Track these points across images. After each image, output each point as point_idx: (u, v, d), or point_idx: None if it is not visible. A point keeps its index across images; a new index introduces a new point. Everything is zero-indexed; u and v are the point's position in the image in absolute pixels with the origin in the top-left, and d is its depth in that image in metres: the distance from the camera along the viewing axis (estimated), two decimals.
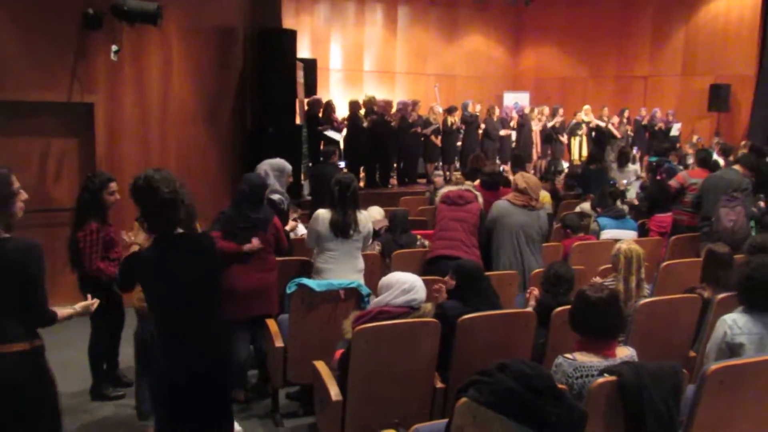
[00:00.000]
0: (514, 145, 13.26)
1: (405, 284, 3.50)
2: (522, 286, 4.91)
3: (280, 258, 4.86)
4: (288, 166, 5.50)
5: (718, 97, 14.52)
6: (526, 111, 13.64)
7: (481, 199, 5.45)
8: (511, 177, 7.18)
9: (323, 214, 4.67)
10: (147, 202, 2.92)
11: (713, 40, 15.40)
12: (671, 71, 16.10)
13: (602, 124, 13.48)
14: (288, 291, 4.29)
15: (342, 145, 10.92)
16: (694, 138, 12.94)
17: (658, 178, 7.63)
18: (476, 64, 17.35)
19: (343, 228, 4.60)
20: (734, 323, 3.32)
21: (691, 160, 10.36)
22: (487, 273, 4.64)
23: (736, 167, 6.70)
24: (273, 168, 5.38)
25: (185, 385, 2.94)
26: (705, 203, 6.54)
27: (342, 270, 4.61)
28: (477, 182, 6.51)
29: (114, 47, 6.60)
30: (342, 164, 8.64)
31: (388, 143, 11.23)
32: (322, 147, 10.61)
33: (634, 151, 13.37)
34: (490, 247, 5.33)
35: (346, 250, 4.66)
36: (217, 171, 7.80)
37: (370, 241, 4.87)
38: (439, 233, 5.30)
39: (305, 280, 4.34)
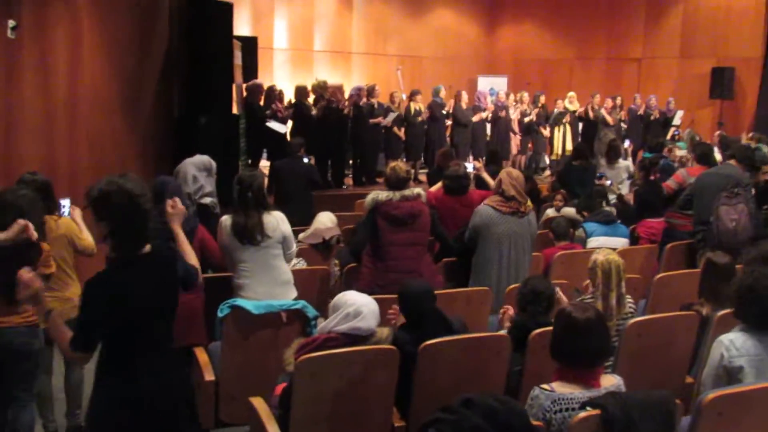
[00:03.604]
0: (488, 138, 13.35)
1: (350, 307, 3.49)
2: (498, 305, 4.92)
3: (210, 275, 4.80)
4: (213, 163, 5.43)
5: (721, 83, 14.88)
6: (503, 98, 13.75)
7: (425, 197, 5.33)
8: (483, 175, 7.22)
9: (226, 219, 4.61)
10: (121, 218, 2.88)
11: (715, 18, 15.76)
12: (668, 53, 16.44)
13: (590, 113, 13.63)
14: (220, 314, 4.24)
15: (288, 139, 10.88)
16: (688, 130, 13.20)
17: (652, 178, 7.73)
18: (445, 43, 17.48)
19: (245, 233, 4.51)
20: (731, 344, 3.37)
21: (680, 154, 10.52)
22: (455, 290, 4.68)
23: (732, 162, 6.80)
24: (198, 167, 5.32)
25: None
26: (698, 204, 6.58)
27: (261, 284, 4.52)
28: (439, 185, 6.55)
29: (10, 22, 6.45)
30: (306, 160, 8.62)
31: (341, 136, 11.23)
32: (264, 140, 10.60)
33: (626, 144, 13.57)
34: (469, 256, 5.36)
35: (260, 259, 4.55)
36: (137, 169, 7.69)
37: (293, 246, 4.78)
38: (387, 264, 5.11)
39: (240, 301, 4.29)
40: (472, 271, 5.38)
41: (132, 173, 3.02)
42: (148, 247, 2.99)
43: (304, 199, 8.03)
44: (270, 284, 4.54)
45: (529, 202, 5.53)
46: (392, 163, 5.42)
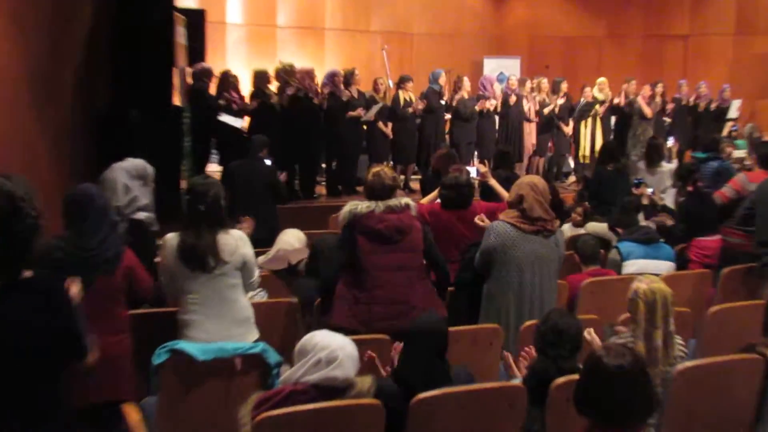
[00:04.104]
0: (497, 135, 13.36)
1: (322, 352, 3.47)
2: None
3: (138, 311, 4.79)
4: (149, 169, 5.41)
5: None
6: (515, 85, 13.77)
7: (415, 209, 5.30)
8: (491, 183, 7.20)
9: (171, 238, 4.60)
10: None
11: None
12: (722, 29, 16.59)
13: (622, 101, 13.63)
14: (155, 361, 4.22)
15: (245, 137, 10.87)
16: (748, 126, 13.29)
17: (689, 188, 7.76)
18: (442, 17, 17.59)
19: (195, 257, 4.50)
20: None
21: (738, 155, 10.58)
22: (456, 328, 4.65)
23: None
24: (130, 174, 5.31)
25: None
26: (762, 219, 6.62)
27: (212, 322, 4.51)
28: (433, 195, 6.54)
29: None
30: (269, 162, 8.63)
31: (312, 133, 11.21)
32: (215, 139, 10.57)
33: (670, 142, 13.59)
34: (478, 285, 5.36)
35: (213, 290, 4.55)
36: (52, 173, 7.63)
37: (255, 274, 4.78)
38: (371, 293, 5.07)
39: (183, 345, 4.27)
40: (483, 304, 5.35)
41: (18, 175, 2.96)
42: (28, 273, 2.94)
43: (266, 211, 8.02)
44: (224, 322, 4.54)
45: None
46: (375, 168, 5.38)
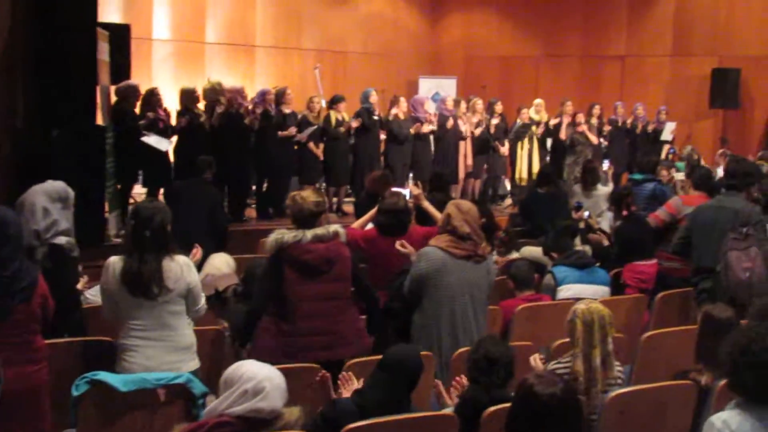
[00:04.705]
0: (433, 157, 13.37)
1: (249, 383, 3.45)
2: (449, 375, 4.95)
3: (59, 341, 4.74)
4: (70, 192, 5.36)
5: (724, 88, 15.32)
6: (451, 105, 13.82)
7: (344, 237, 5.29)
8: (424, 205, 7.18)
9: (115, 262, 4.60)
10: None
11: (717, 6, 16.27)
12: (657, 50, 16.90)
13: (563, 135, 13.65)
14: (75, 393, 4.16)
15: (172, 158, 10.79)
16: (687, 148, 13.53)
17: (624, 213, 7.88)
18: (377, 35, 17.64)
19: (139, 283, 4.50)
20: (725, 426, 3.30)
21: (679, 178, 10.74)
22: None
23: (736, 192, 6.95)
24: (50, 197, 5.22)
25: None
26: (698, 246, 6.74)
27: (154, 349, 4.53)
28: (366, 218, 6.57)
29: None
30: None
31: (243, 154, 11.15)
32: (140, 160, 10.45)
33: (605, 165, 13.67)
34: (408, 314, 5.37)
35: (155, 317, 4.57)
36: None
37: (201, 301, 4.78)
38: (297, 325, 5.07)
39: (103, 375, 4.23)
40: (412, 333, 5.35)
41: None
42: None
43: (206, 236, 7.98)
44: (166, 350, 4.57)
45: (486, 243, 5.58)
46: (294, 193, 5.38)
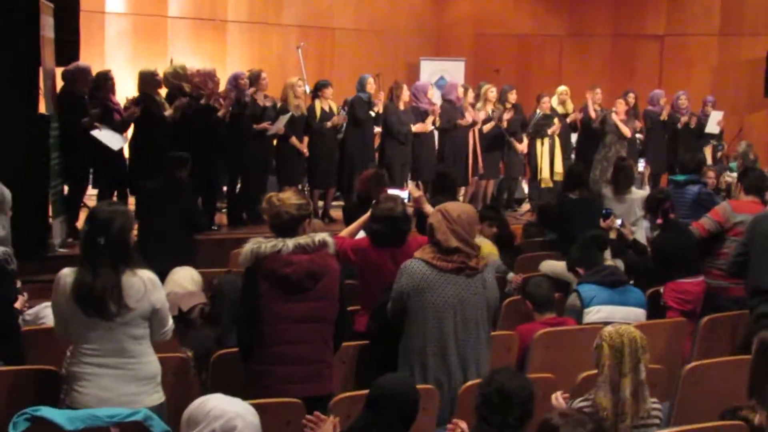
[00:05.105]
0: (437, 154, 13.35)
1: (218, 421, 3.47)
2: (447, 414, 4.95)
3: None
4: (6, 193, 5.37)
5: None
6: (459, 93, 13.79)
7: (333, 248, 5.27)
8: (426, 209, 7.15)
9: (66, 275, 4.60)
10: None
11: None
12: (703, 28, 16.92)
13: (592, 113, 13.54)
14: (12, 431, 4.12)
15: (127, 154, 10.81)
16: (742, 144, 13.47)
17: (659, 221, 7.87)
18: (371, 10, 17.69)
19: (93, 300, 4.49)
20: None
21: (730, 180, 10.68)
22: None
23: None
24: None
25: None
26: (756, 263, 6.67)
27: (110, 379, 4.54)
28: (356, 225, 6.57)
29: None
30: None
31: (211, 150, 11.13)
32: (91, 156, 10.44)
33: (641, 165, 13.55)
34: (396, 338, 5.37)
35: (113, 341, 4.57)
36: None
37: (167, 325, 4.80)
38: (273, 350, 5.05)
39: (45, 411, 4.21)
40: (399, 360, 5.35)
41: None
42: None
43: (181, 242, 8.22)
44: (122, 379, 4.56)
45: (492, 251, 5.55)
46: (271, 194, 5.31)
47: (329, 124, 12.12)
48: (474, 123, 13.21)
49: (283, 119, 11.64)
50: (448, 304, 5.23)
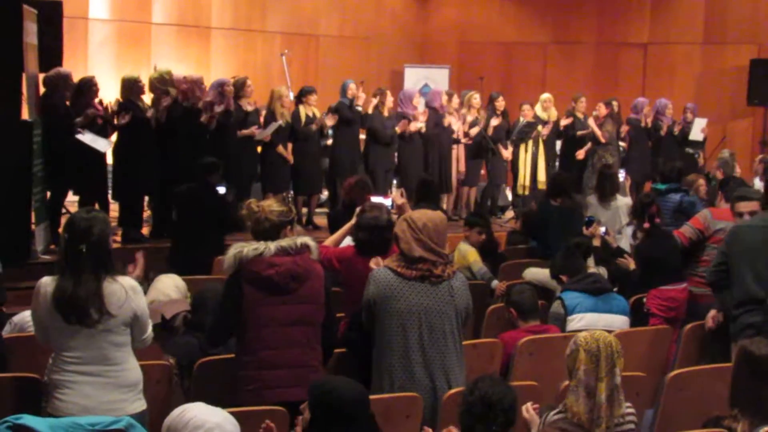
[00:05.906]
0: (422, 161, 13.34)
1: (198, 431, 3.46)
2: (429, 420, 4.94)
3: None
4: None
5: (765, 81, 15.33)
6: (444, 101, 13.78)
7: (316, 252, 5.29)
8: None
9: (47, 284, 4.61)
10: None
11: None
12: (686, 36, 16.97)
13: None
14: None
15: (111, 161, 10.80)
16: (725, 153, 13.49)
17: (646, 225, 7.87)
18: (355, 17, 17.69)
19: (74, 308, 4.49)
20: None
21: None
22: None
23: None
24: None
25: None
26: (737, 273, 6.58)
27: (92, 387, 4.54)
28: (341, 233, 6.58)
29: None
30: (222, 189, 8.96)
31: (195, 156, 11.08)
32: (73, 162, 10.40)
33: (621, 175, 13.52)
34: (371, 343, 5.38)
35: (94, 349, 4.57)
36: None
37: (147, 331, 4.79)
38: (259, 356, 5.03)
39: (27, 419, 4.17)
40: (373, 369, 5.34)
41: None
42: None
43: (214, 245, 8.40)
44: (104, 387, 4.56)
45: (461, 258, 5.52)
46: (251, 200, 5.35)
47: (314, 125, 12.16)
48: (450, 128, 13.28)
49: (273, 126, 11.67)
50: (412, 312, 5.20)
